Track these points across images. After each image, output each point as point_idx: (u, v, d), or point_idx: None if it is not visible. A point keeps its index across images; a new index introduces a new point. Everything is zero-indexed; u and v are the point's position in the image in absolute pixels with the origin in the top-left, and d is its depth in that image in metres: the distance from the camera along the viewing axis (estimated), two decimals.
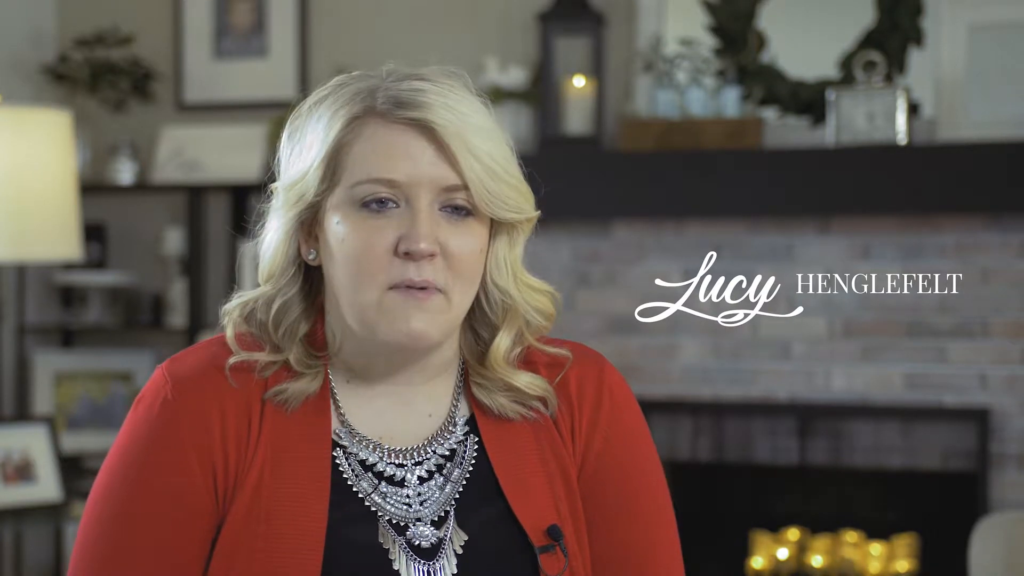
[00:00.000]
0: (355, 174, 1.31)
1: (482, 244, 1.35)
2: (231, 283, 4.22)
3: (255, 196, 4.42)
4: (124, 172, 4.45)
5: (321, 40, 4.45)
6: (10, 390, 4.45)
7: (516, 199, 1.35)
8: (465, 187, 1.31)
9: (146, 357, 4.51)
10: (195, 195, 4.39)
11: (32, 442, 3.59)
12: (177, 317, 4.42)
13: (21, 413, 4.37)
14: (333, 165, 1.32)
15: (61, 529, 4.29)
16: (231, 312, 1.38)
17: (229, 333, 1.37)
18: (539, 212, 1.39)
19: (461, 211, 1.33)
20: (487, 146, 1.32)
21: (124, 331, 4.54)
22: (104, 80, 4.50)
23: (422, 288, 1.30)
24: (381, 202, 1.31)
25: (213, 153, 4.43)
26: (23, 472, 3.55)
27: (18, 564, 4.26)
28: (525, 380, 1.39)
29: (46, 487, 3.57)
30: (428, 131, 1.31)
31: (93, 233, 4.51)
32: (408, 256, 1.30)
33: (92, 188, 4.42)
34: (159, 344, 4.54)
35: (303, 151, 1.34)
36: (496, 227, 1.37)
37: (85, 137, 4.47)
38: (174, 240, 4.45)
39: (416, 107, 1.31)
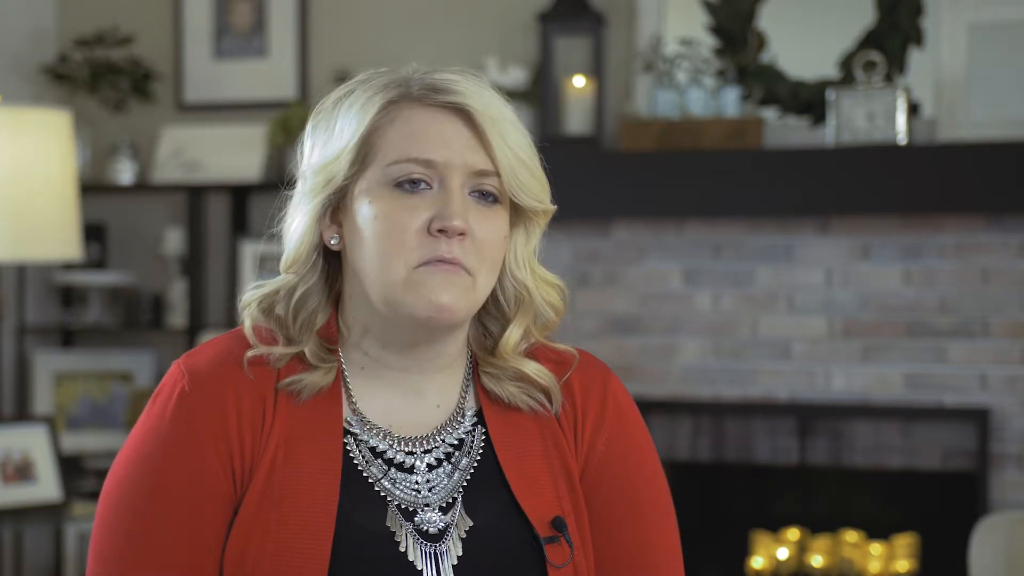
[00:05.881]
0: (390, 155, 1.34)
1: (506, 231, 1.38)
2: (231, 283, 4.25)
3: (255, 196, 4.43)
4: (124, 172, 4.45)
5: (321, 40, 4.44)
6: (10, 390, 4.46)
7: (539, 190, 1.39)
8: (496, 173, 1.35)
9: (146, 357, 4.51)
10: (195, 195, 4.39)
11: (32, 442, 3.59)
12: (177, 317, 4.42)
13: (21, 413, 4.37)
14: (365, 148, 1.35)
15: (61, 529, 4.29)
16: (250, 304, 1.40)
17: (248, 325, 1.39)
18: (555, 207, 1.42)
19: (488, 197, 1.36)
20: (517, 136, 1.37)
21: (124, 331, 4.54)
22: (104, 80, 4.50)
23: (451, 263, 1.33)
24: (414, 182, 1.34)
25: (213, 153, 4.43)
26: (23, 472, 3.55)
27: (18, 564, 4.26)
28: (533, 368, 1.42)
29: (46, 487, 3.56)
30: (464, 115, 1.36)
31: (93, 233, 4.51)
32: (441, 233, 1.32)
33: (92, 188, 4.42)
34: (159, 344, 4.54)
35: (331, 138, 1.37)
36: (514, 220, 1.40)
37: (85, 137, 4.47)
38: (174, 240, 4.45)
39: (452, 92, 1.36)
